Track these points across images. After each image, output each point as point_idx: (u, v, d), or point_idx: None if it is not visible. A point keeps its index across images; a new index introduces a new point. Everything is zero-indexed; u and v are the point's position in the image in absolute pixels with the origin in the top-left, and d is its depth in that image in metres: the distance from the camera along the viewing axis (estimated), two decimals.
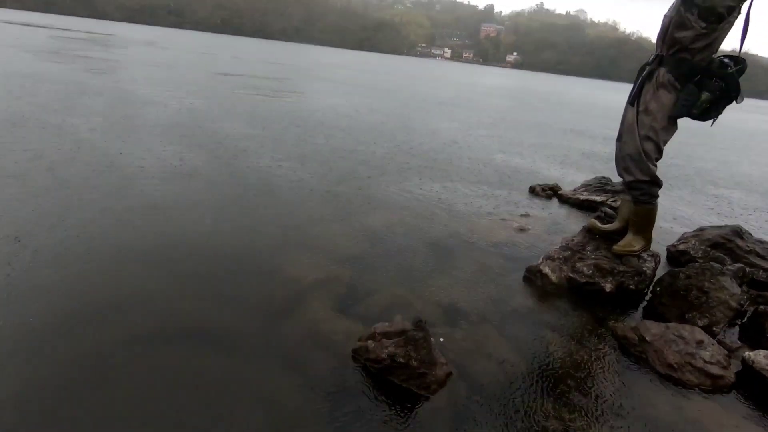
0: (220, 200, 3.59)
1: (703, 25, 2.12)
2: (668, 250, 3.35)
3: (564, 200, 4.53)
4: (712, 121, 2.31)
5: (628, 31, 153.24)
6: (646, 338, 2.12)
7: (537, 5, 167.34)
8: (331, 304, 2.38)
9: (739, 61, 2.19)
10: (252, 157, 4.87)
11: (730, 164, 8.23)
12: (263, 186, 4.01)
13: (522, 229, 3.61)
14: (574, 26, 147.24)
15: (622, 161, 2.58)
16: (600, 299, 2.64)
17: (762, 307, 2.39)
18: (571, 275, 2.67)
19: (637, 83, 2.44)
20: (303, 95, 11.32)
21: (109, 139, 5.03)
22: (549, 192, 4.64)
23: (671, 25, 2.23)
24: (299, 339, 2.07)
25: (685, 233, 3.43)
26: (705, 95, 2.20)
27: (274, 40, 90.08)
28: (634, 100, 2.43)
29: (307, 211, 3.54)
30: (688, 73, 2.25)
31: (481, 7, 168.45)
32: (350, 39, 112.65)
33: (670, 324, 2.20)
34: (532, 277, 2.77)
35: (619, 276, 2.63)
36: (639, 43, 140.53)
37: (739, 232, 3.15)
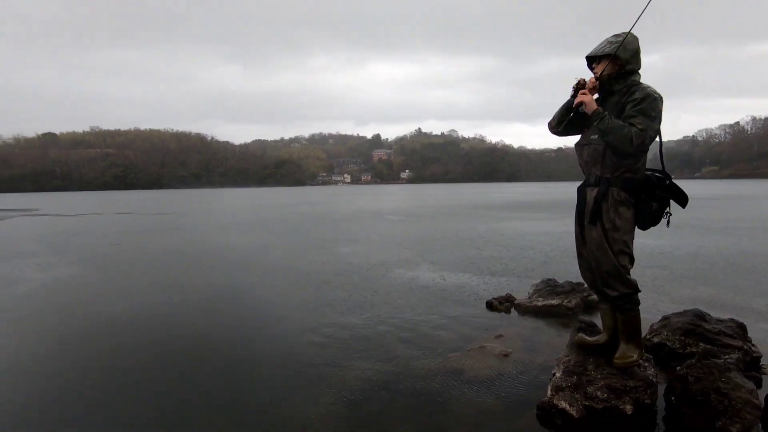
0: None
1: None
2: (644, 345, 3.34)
3: (523, 310, 4.50)
4: (666, 221, 2.51)
5: (493, 141, 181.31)
6: None
7: (416, 131, 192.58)
8: None
9: (665, 174, 2.52)
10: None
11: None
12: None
13: (505, 355, 3.40)
14: (450, 143, 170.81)
15: (599, 278, 2.61)
16: (622, 422, 2.41)
17: None
18: (586, 403, 2.45)
19: (592, 204, 2.59)
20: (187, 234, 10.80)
21: None
22: (507, 304, 4.61)
23: (608, 154, 2.50)
24: None
25: (652, 324, 3.50)
26: (655, 205, 2.45)
27: (172, 188, 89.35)
28: (595, 219, 2.56)
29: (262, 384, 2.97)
30: (637, 189, 2.50)
31: (369, 136, 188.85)
32: (253, 178, 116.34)
33: None
34: (548, 415, 2.49)
35: (633, 392, 2.47)
36: (505, 149, 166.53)
37: (700, 315, 3.29)
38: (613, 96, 2.58)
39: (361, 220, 16.53)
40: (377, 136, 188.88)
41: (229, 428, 2.52)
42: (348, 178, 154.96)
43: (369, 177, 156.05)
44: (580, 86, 2.64)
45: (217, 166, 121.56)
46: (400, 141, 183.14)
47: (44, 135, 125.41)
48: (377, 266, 7.13)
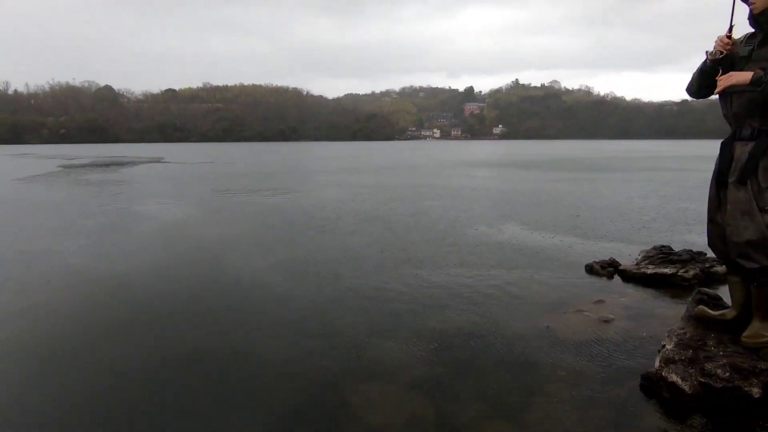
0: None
1: None
2: None
3: (628, 277, 4.14)
4: None
5: (602, 93, 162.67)
6: None
7: (513, 82, 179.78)
8: None
9: None
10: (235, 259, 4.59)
11: None
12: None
13: (605, 321, 3.19)
14: (550, 95, 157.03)
15: (735, 248, 2.27)
16: (745, 407, 2.16)
17: None
18: (703, 380, 2.22)
19: (745, 160, 2.21)
20: (297, 193, 11.42)
21: (95, 258, 4.92)
22: (610, 269, 4.28)
23: None
24: None
25: None
26: None
27: (272, 141, 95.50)
28: (746, 178, 2.19)
29: (348, 320, 3.16)
30: None
31: (461, 89, 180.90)
32: (344, 132, 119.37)
33: None
34: (654, 386, 2.31)
35: (763, 375, 2.17)
36: (615, 102, 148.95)
37: None
38: None
39: (450, 175, 16.26)
40: (470, 89, 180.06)
41: (322, 364, 2.75)
42: (437, 132, 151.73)
43: (459, 132, 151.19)
44: (716, 60, 2.28)
45: (311, 119, 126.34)
46: (495, 94, 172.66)
47: (166, 91, 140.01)
48: (465, 221, 7.01)
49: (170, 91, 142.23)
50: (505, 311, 3.42)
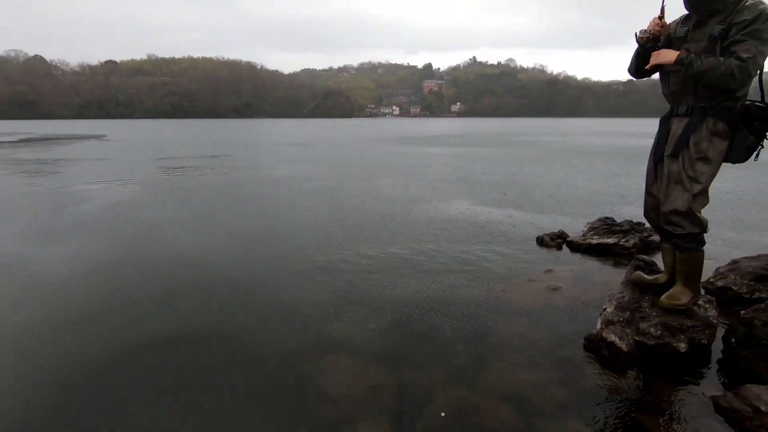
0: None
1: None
2: (705, 288, 3.19)
3: (575, 247, 4.38)
4: (755, 156, 2.27)
5: (555, 71, 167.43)
6: (762, 408, 1.85)
7: (470, 60, 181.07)
8: (382, 418, 1.98)
9: (766, 105, 2.24)
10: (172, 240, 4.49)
11: None
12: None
13: (554, 289, 3.37)
14: (506, 73, 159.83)
15: (665, 216, 2.44)
16: (674, 361, 2.38)
17: None
18: (638, 338, 2.42)
19: (679, 134, 2.36)
20: (244, 169, 11.14)
21: (25, 244, 4.60)
22: (558, 240, 4.50)
23: None
24: None
25: (718, 268, 3.30)
26: (751, 138, 2.21)
27: (225, 118, 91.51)
28: (678, 151, 2.34)
29: (308, 291, 3.17)
30: (735, 120, 2.24)
31: (420, 66, 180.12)
32: (301, 108, 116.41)
33: None
34: (595, 346, 2.49)
35: (689, 332, 2.40)
36: (567, 81, 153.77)
37: None
38: (715, 16, 2.22)
39: (405, 153, 16.33)
40: (428, 66, 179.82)
41: (280, 340, 2.74)
42: (396, 110, 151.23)
43: (418, 110, 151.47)
44: (644, 40, 2.40)
45: (266, 96, 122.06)
46: (453, 71, 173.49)
47: (106, 63, 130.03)
48: (419, 198, 7.11)
49: (111, 62, 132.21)
50: (460, 282, 3.54)
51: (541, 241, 4.55)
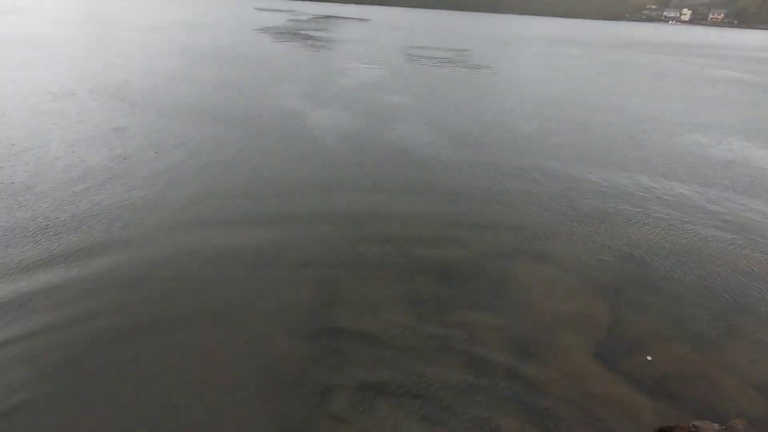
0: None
1: None
2: None
3: None
4: None
5: None
6: None
7: None
8: (588, 342, 1.89)
9: None
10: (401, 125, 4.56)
11: None
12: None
13: None
14: None
15: None
16: None
17: None
18: None
19: None
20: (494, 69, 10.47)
21: (306, 103, 5.67)
22: None
23: None
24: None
25: None
26: None
27: (474, 12, 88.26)
28: None
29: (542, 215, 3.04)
30: None
31: None
32: (558, 6, 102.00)
33: None
34: None
35: None
36: None
37: None
38: None
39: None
40: None
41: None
42: (687, 14, 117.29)
43: (721, 16, 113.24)
44: None
45: None
46: None
47: None
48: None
49: None
50: (715, 234, 2.83)
51: None
